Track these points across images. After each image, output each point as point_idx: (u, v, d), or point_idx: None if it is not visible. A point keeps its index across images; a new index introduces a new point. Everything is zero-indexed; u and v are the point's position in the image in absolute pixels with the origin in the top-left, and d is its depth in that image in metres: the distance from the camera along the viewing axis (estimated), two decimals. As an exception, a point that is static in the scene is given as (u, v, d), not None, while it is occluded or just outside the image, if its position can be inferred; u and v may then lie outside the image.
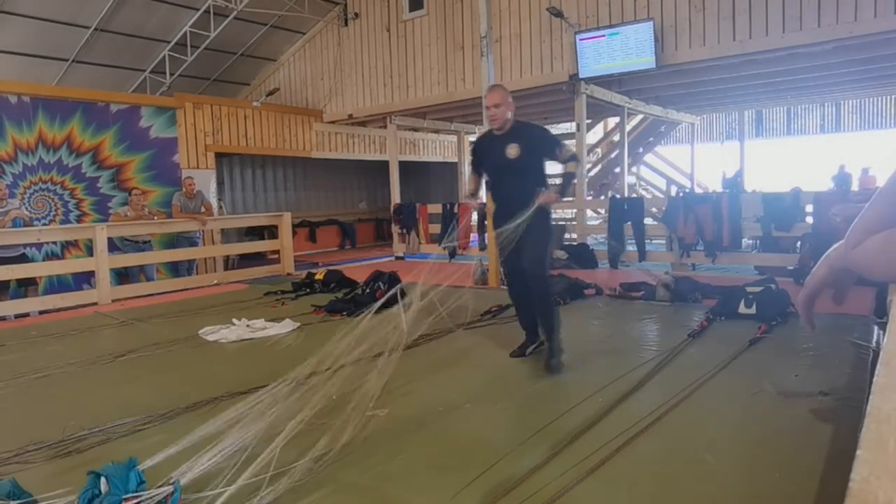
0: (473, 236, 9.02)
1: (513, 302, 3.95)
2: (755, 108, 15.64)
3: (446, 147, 14.70)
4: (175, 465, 2.12)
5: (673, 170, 15.01)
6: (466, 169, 14.00)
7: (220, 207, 10.67)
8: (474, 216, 8.98)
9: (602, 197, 11.34)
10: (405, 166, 11.41)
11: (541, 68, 9.03)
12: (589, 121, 10.47)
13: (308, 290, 6.65)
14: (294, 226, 10.10)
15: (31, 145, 7.94)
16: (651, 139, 13.76)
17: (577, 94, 8.72)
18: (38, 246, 7.67)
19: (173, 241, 8.60)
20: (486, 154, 3.89)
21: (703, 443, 2.49)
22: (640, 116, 12.64)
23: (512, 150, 3.67)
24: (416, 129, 12.79)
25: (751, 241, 8.39)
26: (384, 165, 11.72)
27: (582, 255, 7.96)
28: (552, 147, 3.75)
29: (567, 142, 5.41)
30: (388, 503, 2.17)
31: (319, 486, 2.23)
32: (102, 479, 1.94)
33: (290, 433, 2.21)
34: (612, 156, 12.55)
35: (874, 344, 3.70)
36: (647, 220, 8.24)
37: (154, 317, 5.68)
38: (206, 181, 9.69)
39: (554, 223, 3.75)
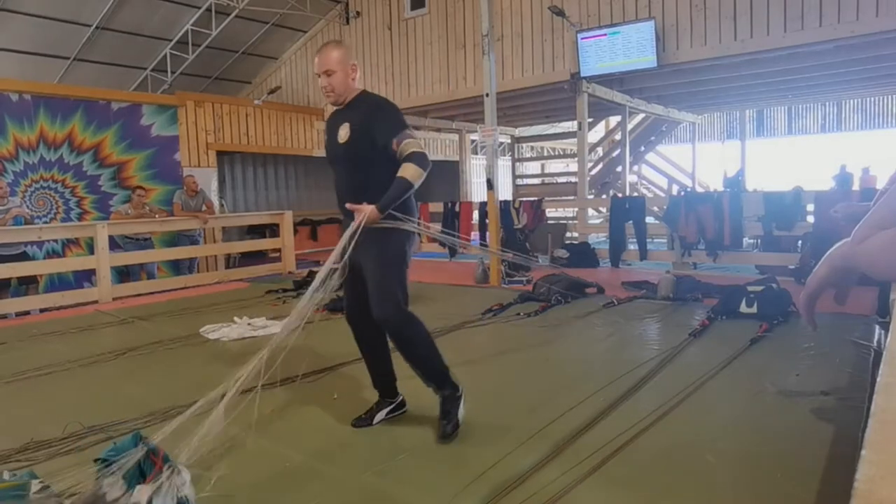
0: (474, 235, 9.01)
1: (359, 349, 2.91)
2: (756, 107, 15.63)
3: (448, 146, 14.71)
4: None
5: (674, 169, 14.98)
6: (469, 167, 14.12)
7: (221, 206, 10.67)
8: (475, 215, 8.97)
9: (604, 196, 11.33)
10: (406, 165, 11.40)
11: (542, 67, 9.03)
12: (590, 119, 10.47)
13: (309, 288, 6.64)
14: (295, 224, 10.09)
15: (32, 143, 7.94)
16: (652, 138, 13.76)
17: (578, 92, 8.72)
18: (39, 244, 7.67)
19: (174, 239, 8.61)
20: (328, 139, 2.80)
21: (704, 443, 2.49)
22: (641, 115, 12.64)
23: (342, 133, 2.62)
24: (417, 128, 12.77)
25: (752, 241, 8.39)
26: (385, 164, 11.70)
27: (583, 254, 7.96)
28: (388, 130, 2.54)
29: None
30: (388, 502, 2.17)
31: (319, 485, 2.23)
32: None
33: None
34: (614, 155, 12.53)
35: (875, 344, 3.70)
36: (649, 219, 8.23)
37: (155, 315, 5.69)
38: (207, 179, 9.69)
39: (403, 239, 2.68)
